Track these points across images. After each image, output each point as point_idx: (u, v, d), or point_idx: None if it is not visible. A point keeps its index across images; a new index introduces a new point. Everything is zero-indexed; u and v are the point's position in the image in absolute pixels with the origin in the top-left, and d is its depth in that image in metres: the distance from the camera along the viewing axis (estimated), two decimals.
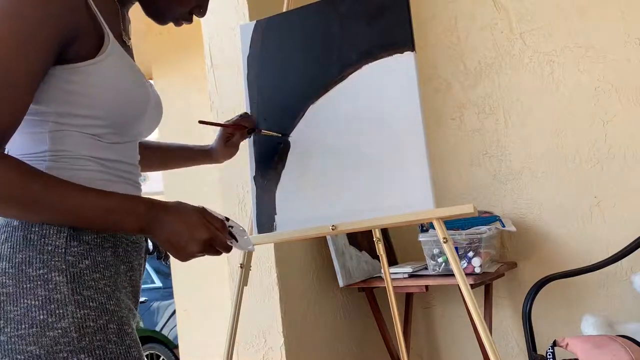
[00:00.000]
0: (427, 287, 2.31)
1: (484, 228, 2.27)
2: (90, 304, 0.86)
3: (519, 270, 2.51)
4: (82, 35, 0.88)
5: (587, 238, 2.39)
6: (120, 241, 0.95)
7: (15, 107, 0.81)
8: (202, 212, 0.94)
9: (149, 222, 0.89)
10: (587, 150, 2.39)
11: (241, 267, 1.61)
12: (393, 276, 2.28)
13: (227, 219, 1.00)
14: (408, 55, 1.47)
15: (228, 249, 0.97)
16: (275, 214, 1.57)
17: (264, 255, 2.14)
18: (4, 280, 0.84)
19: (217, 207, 2.35)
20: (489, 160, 2.59)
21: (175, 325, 3.98)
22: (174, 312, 4.29)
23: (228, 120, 1.48)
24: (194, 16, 1.13)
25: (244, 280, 1.60)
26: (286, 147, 1.58)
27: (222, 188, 2.27)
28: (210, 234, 0.92)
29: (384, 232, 2.61)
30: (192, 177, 3.35)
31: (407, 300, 2.56)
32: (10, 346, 0.82)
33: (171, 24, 1.12)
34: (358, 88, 1.53)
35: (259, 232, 1.60)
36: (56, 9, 0.83)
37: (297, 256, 2.29)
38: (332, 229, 1.48)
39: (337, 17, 1.57)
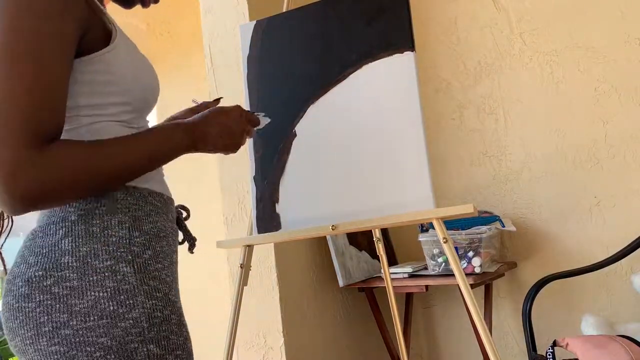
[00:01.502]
0: (427, 287, 2.30)
1: (484, 228, 2.27)
2: (157, 294, 0.87)
3: (519, 270, 2.52)
4: (92, 26, 0.89)
5: (587, 238, 2.39)
6: (169, 232, 0.96)
7: (61, 100, 0.82)
8: (238, 108, 1.09)
9: (196, 132, 0.98)
10: (587, 150, 2.39)
11: (241, 267, 1.61)
12: (393, 276, 2.28)
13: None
14: (408, 55, 1.47)
15: (250, 133, 1.16)
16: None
17: (264, 255, 2.14)
18: (67, 275, 0.83)
19: (217, 207, 2.36)
20: (489, 160, 2.59)
21: None
22: None
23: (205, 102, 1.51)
24: None
25: (244, 280, 1.60)
26: (286, 147, 1.58)
27: (222, 188, 2.27)
28: (245, 124, 1.09)
29: (384, 232, 2.61)
30: (192, 177, 3.35)
31: (407, 300, 2.56)
32: (78, 339, 0.81)
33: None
34: (358, 88, 1.53)
35: (259, 232, 1.60)
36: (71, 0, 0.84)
37: (297, 256, 2.29)
38: (332, 229, 1.48)
39: (337, 17, 1.57)
